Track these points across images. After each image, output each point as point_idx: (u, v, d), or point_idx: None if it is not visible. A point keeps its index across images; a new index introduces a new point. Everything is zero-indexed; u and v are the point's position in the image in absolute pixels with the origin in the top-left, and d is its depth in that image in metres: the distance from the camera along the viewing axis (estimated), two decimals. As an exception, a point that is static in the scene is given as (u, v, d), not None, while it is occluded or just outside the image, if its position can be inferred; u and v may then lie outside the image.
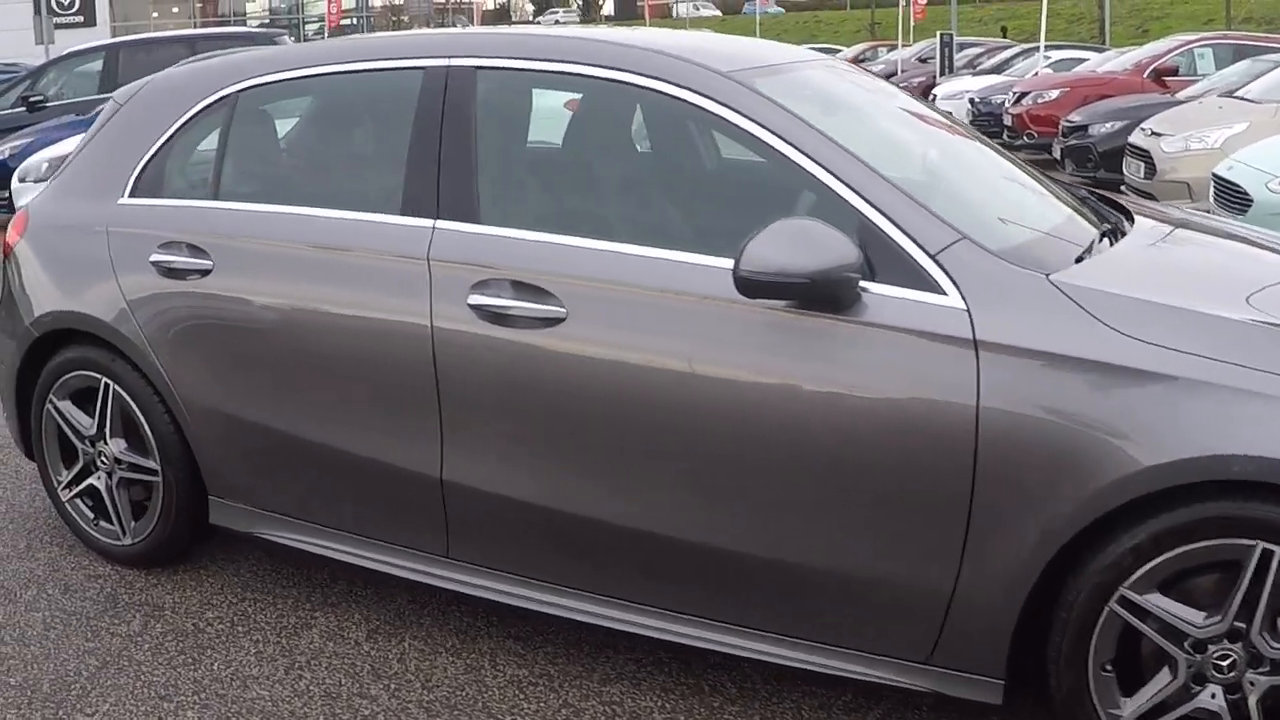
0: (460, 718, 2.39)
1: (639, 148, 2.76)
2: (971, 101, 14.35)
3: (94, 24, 21.13)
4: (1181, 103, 9.19)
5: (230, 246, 2.75)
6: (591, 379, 2.29)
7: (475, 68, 2.54)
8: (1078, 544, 1.95)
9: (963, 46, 18.72)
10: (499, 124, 2.58)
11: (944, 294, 2.03)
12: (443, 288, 2.43)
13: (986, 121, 13.06)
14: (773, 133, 2.24)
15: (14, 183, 7.13)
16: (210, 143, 2.95)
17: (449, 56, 2.58)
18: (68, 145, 7.09)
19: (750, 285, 2.08)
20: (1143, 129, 8.32)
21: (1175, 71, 11.40)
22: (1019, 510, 1.96)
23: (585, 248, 2.34)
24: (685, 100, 2.34)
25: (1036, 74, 14.44)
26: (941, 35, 16.51)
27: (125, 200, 2.99)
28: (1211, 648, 1.93)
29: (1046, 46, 15.89)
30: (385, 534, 2.65)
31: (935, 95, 15.90)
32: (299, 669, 2.60)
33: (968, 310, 2.01)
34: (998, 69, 16.88)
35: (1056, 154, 10.29)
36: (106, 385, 2.97)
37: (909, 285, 2.06)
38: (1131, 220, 2.59)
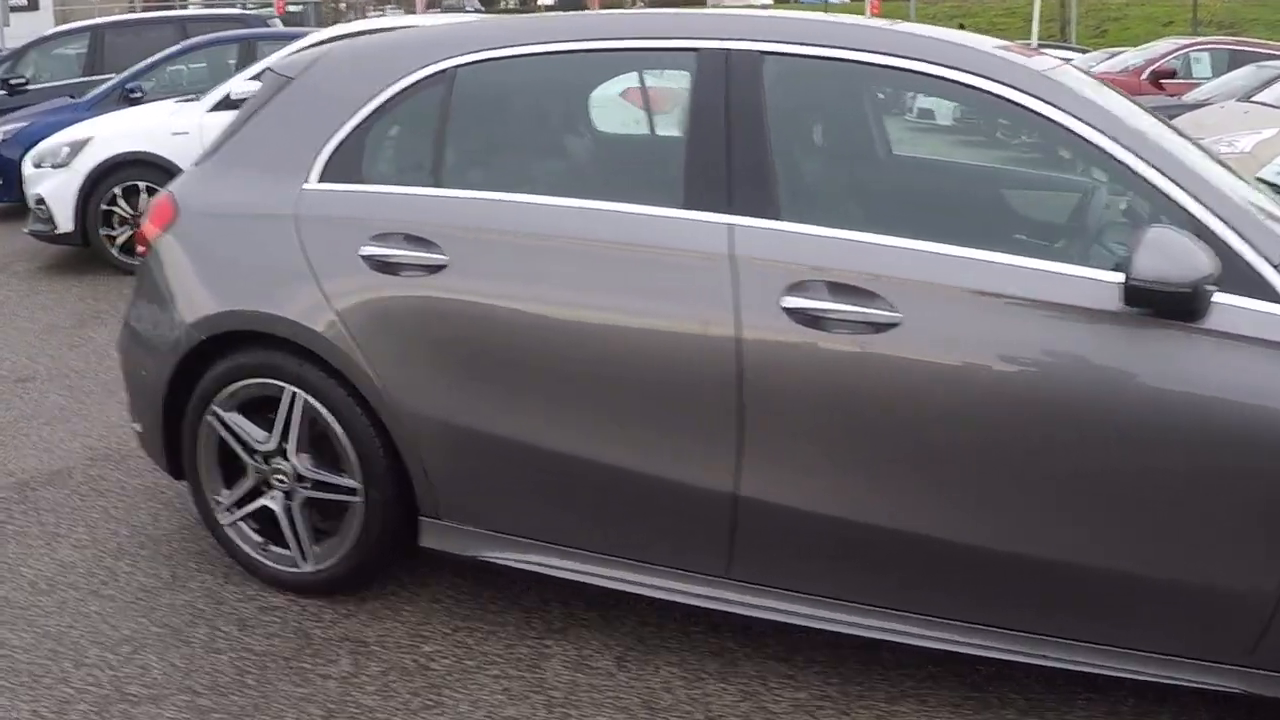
0: (763, 761, 2.20)
1: (944, 144, 2.58)
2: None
3: (36, 8, 20.05)
4: (1192, 105, 9.31)
5: (471, 240, 2.46)
6: (929, 386, 2.13)
7: (761, 53, 2.33)
8: None
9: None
10: (794, 114, 2.37)
11: None
12: (750, 289, 2.21)
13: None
14: (1109, 138, 2.16)
15: (27, 168, 6.58)
16: (421, 123, 2.66)
17: (725, 39, 2.36)
18: (88, 128, 6.61)
19: (1139, 294, 2.01)
20: (1166, 131, 8.37)
21: (1173, 74, 11.61)
22: None
23: (917, 249, 2.17)
24: (1009, 100, 2.20)
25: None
26: (921, 33, 16.52)
27: (314, 185, 2.67)
28: None
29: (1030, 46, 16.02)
30: (651, 555, 2.42)
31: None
32: (562, 706, 2.35)
33: None
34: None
35: (1064, 153, 10.34)
36: (293, 395, 2.66)
37: (1254, 296, 2.05)
38: None
